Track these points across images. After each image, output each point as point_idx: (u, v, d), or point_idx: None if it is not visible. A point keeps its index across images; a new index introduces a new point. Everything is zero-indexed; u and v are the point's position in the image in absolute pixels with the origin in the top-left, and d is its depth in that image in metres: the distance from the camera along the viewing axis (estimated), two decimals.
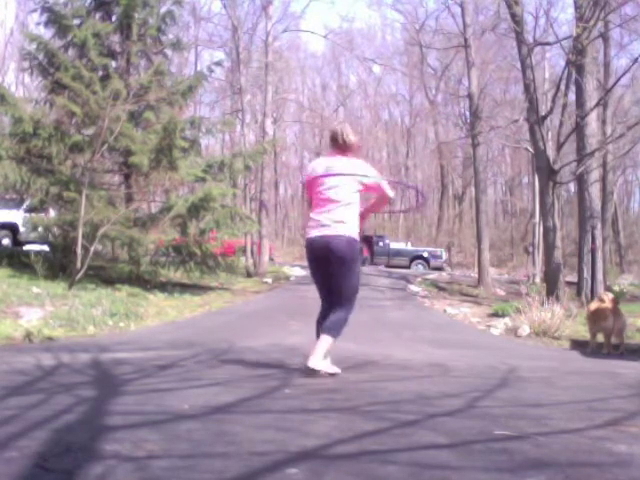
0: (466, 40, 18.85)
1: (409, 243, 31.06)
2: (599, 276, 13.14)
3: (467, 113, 26.34)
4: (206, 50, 32.16)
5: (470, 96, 19.10)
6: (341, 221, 3.77)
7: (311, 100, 41.82)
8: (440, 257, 28.38)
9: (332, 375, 3.83)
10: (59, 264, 11.32)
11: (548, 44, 16.41)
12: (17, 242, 14.69)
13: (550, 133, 19.21)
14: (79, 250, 10.12)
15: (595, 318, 7.23)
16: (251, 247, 20.20)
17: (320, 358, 3.77)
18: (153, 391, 3.34)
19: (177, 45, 14.53)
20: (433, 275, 22.02)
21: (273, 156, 30.65)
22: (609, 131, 16.17)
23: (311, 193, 3.93)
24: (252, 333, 7.51)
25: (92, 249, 10.43)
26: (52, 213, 12.50)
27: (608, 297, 7.47)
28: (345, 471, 1.92)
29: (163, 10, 13.82)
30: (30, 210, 12.54)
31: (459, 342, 7.58)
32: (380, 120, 44.50)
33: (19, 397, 3.06)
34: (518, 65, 16.39)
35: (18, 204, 13.11)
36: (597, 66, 17.53)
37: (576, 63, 12.83)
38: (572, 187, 27.81)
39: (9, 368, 4.09)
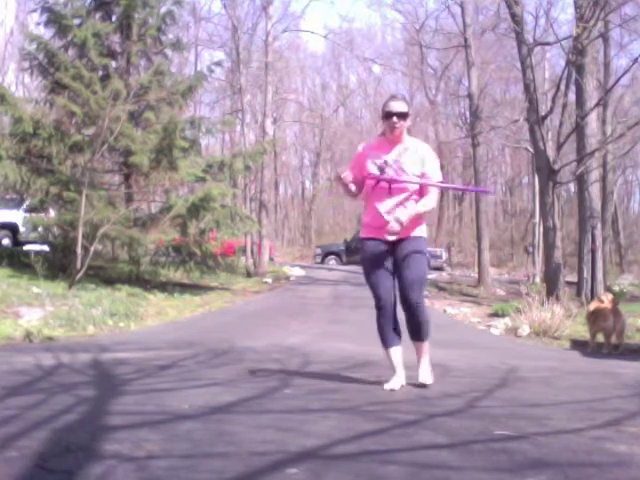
0: (466, 40, 18.85)
1: None
2: (599, 276, 13.13)
3: (467, 113, 26.35)
4: (206, 50, 32.11)
5: (470, 96, 19.10)
6: None
7: (311, 100, 41.76)
8: (440, 257, 28.36)
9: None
10: (59, 264, 11.31)
11: (548, 44, 16.39)
12: (17, 242, 14.67)
13: (550, 133, 19.18)
14: (79, 250, 10.12)
15: (595, 318, 7.23)
16: (251, 247, 20.19)
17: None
18: (153, 391, 3.34)
19: (177, 45, 14.51)
20: (433, 275, 22.00)
21: (273, 156, 30.62)
22: (609, 131, 16.16)
23: None
24: (252, 333, 7.50)
25: (92, 249, 10.42)
26: (52, 213, 12.49)
27: (607, 297, 7.48)
28: (345, 471, 1.92)
29: (163, 10, 13.79)
30: (30, 210, 12.53)
31: (459, 342, 7.58)
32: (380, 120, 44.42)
33: (19, 397, 3.06)
34: (518, 65, 16.37)
35: (18, 204, 13.10)
36: (597, 66, 17.51)
37: (576, 63, 12.82)
38: (572, 187, 27.79)
39: (9, 368, 4.09)
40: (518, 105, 20.21)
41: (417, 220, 3.47)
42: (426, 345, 3.60)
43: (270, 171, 27.25)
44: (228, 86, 27.80)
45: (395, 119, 3.39)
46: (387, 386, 3.48)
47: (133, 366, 4.29)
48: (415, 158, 3.47)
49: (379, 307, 3.53)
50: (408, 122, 3.49)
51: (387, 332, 3.55)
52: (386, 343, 3.57)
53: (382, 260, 3.49)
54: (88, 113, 11.38)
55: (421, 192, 3.50)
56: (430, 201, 3.49)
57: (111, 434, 2.28)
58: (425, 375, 3.56)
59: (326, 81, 43.62)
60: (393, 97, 3.53)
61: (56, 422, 2.44)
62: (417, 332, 3.54)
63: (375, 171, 3.46)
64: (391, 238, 3.42)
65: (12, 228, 14.41)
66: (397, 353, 3.57)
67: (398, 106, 3.43)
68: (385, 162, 3.45)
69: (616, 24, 16.16)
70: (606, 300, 7.37)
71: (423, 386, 3.52)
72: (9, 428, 2.32)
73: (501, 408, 3.06)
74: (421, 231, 3.54)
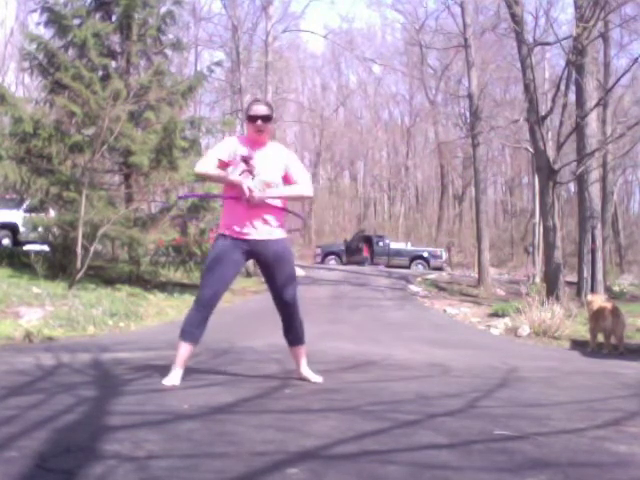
0: (466, 40, 18.84)
1: (409, 243, 31.04)
2: (599, 276, 13.13)
3: (467, 113, 26.36)
4: (206, 50, 32.17)
5: (470, 96, 19.10)
6: None
7: (311, 100, 41.80)
8: (440, 257, 28.34)
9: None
10: (59, 264, 11.30)
11: (548, 44, 16.40)
12: (17, 242, 14.67)
13: (550, 133, 19.18)
14: (79, 250, 10.11)
15: (597, 318, 7.24)
16: None
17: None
18: (153, 391, 3.33)
19: (177, 45, 14.50)
20: (433, 275, 21.99)
21: None
22: (609, 131, 16.16)
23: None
24: (252, 333, 7.50)
25: (92, 249, 10.42)
26: (52, 213, 12.49)
27: (600, 297, 7.58)
28: (345, 471, 1.92)
29: (163, 10, 13.78)
30: (30, 210, 12.53)
31: (459, 342, 7.58)
32: (380, 120, 44.48)
33: (19, 397, 3.06)
34: (518, 65, 16.37)
35: (18, 204, 13.10)
36: (597, 66, 17.53)
37: (576, 63, 12.82)
38: (572, 187, 27.80)
39: (9, 368, 4.09)
40: (518, 105, 20.19)
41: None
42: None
43: None
44: (228, 86, 27.80)
45: (260, 122, 3.50)
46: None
47: (133, 366, 4.29)
48: (277, 164, 3.55)
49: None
50: (270, 125, 3.61)
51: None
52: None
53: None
54: (88, 113, 11.37)
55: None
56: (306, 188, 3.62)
57: (111, 434, 2.28)
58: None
59: (326, 81, 43.73)
60: (256, 101, 3.68)
61: (56, 422, 2.44)
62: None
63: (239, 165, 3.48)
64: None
65: (12, 228, 14.40)
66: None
67: (262, 110, 3.55)
68: (249, 156, 3.49)
69: (616, 24, 16.19)
70: (599, 301, 7.46)
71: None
72: (9, 428, 2.31)
73: (501, 408, 3.06)
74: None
